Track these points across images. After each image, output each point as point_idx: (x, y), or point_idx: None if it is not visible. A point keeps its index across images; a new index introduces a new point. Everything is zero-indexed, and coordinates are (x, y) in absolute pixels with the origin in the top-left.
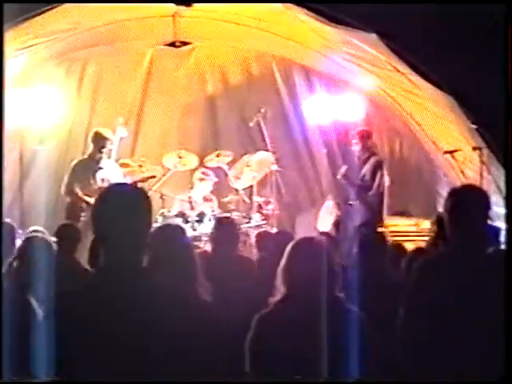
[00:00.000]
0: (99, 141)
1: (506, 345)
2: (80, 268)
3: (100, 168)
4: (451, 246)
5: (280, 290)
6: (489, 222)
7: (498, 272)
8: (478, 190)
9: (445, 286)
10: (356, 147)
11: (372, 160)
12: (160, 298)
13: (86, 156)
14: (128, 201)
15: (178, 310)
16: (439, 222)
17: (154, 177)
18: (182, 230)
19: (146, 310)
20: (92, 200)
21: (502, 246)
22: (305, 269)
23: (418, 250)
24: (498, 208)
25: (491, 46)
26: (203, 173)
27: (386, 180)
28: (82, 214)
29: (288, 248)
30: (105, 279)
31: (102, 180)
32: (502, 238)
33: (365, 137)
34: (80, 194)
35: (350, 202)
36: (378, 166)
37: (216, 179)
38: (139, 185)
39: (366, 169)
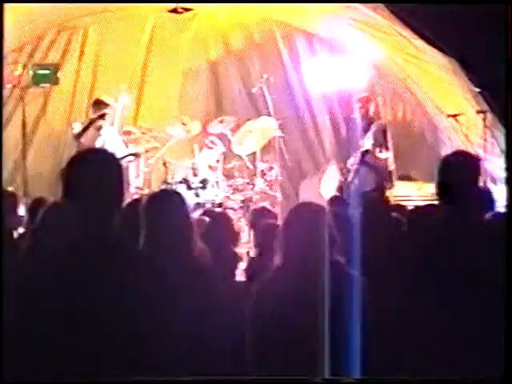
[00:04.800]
0: (100, 108)
1: (506, 344)
2: None
3: (100, 135)
4: (440, 213)
5: (278, 255)
6: (482, 186)
7: (492, 238)
8: (465, 155)
9: (435, 251)
10: (358, 113)
11: (375, 125)
12: (134, 267)
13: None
14: (97, 167)
15: (172, 275)
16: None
17: (156, 148)
18: (180, 196)
19: (119, 278)
20: None
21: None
22: (302, 233)
23: (417, 208)
24: (502, 171)
25: (494, 9)
26: (211, 141)
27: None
28: None
29: (286, 213)
30: (76, 248)
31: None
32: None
33: (366, 103)
34: None
35: (350, 167)
36: (383, 131)
37: (223, 149)
38: (142, 155)
39: (371, 134)
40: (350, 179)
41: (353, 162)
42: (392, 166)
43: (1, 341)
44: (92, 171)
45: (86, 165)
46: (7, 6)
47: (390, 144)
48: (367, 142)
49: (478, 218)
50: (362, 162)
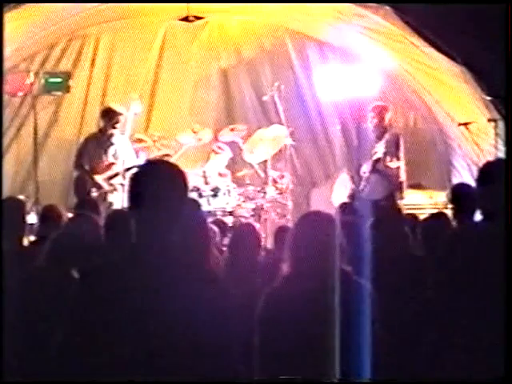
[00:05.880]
0: (111, 116)
1: (506, 345)
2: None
3: (111, 144)
4: (486, 219)
5: (286, 263)
6: None
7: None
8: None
9: (482, 262)
10: (373, 122)
11: (388, 134)
12: (184, 274)
13: (97, 131)
14: (165, 177)
15: (193, 284)
16: (454, 194)
17: (168, 155)
18: (196, 203)
19: (175, 286)
20: (99, 178)
21: None
22: (311, 242)
23: (431, 216)
24: None
25: (506, 17)
26: (219, 147)
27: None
28: (93, 190)
29: (295, 221)
30: (137, 255)
31: (114, 156)
32: None
33: (381, 112)
34: (87, 168)
35: (363, 174)
36: (396, 140)
37: (231, 154)
38: None
39: (384, 142)
40: (361, 187)
41: (365, 169)
42: (403, 177)
43: (1, 342)
44: (160, 180)
45: (154, 174)
46: (19, 14)
47: (402, 154)
48: (379, 151)
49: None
50: (374, 170)
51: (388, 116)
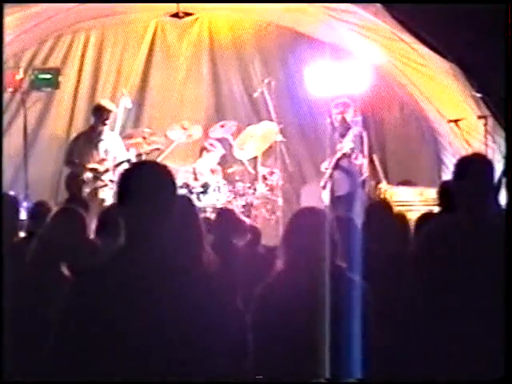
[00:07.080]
0: (101, 113)
1: (506, 344)
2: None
3: (102, 140)
4: (460, 215)
5: (281, 260)
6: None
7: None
8: (485, 158)
9: (452, 256)
10: (336, 118)
11: (352, 131)
12: (175, 274)
13: (87, 129)
14: (155, 178)
15: (187, 282)
16: (442, 191)
17: (158, 149)
18: (189, 200)
19: (168, 282)
20: (99, 167)
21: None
22: (304, 238)
23: (423, 216)
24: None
25: (496, 14)
26: (211, 144)
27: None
28: (85, 186)
29: (289, 218)
30: (128, 256)
31: (105, 152)
32: None
33: (344, 109)
34: (78, 162)
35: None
36: (361, 137)
37: (223, 151)
38: (144, 157)
39: (348, 139)
40: (323, 184)
41: (326, 166)
42: (366, 174)
43: (1, 341)
44: (149, 181)
45: (143, 175)
46: (9, 11)
47: (366, 151)
48: (346, 147)
49: (495, 223)
50: (337, 166)
51: (350, 113)
